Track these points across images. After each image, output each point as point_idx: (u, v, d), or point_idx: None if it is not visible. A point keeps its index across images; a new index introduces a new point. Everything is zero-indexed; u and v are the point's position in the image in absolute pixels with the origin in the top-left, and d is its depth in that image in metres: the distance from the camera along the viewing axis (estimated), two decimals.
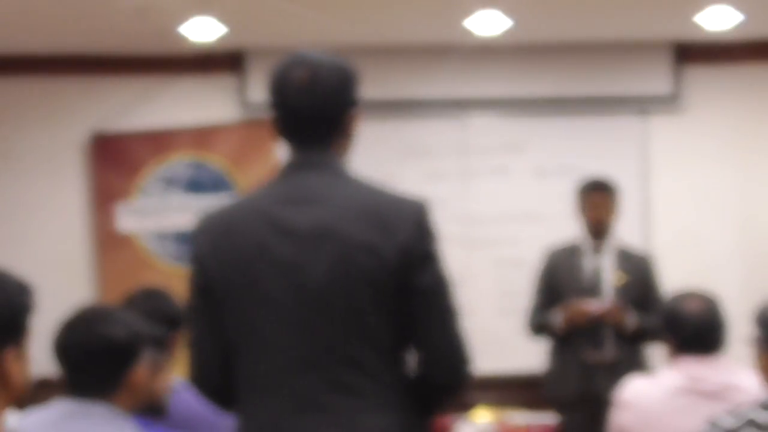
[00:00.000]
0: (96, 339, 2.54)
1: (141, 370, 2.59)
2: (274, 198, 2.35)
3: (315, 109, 2.36)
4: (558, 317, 5.32)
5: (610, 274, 5.39)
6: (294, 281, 2.28)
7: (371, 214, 2.30)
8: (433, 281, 2.33)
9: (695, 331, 3.51)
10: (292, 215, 2.31)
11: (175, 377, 3.11)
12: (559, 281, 5.44)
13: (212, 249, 2.35)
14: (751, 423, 2.74)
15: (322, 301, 2.28)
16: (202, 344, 2.40)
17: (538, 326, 5.46)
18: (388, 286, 2.28)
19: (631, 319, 5.23)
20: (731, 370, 3.50)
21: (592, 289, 5.35)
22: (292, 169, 2.39)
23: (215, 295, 2.34)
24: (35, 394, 5.64)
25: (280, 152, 6.45)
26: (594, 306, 5.23)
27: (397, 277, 2.28)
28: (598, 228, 5.43)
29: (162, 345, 2.91)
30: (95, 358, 2.54)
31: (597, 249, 5.43)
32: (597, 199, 5.45)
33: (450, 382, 2.38)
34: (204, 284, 2.36)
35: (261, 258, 2.30)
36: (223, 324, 2.35)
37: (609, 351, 5.27)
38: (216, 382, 2.40)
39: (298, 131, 2.39)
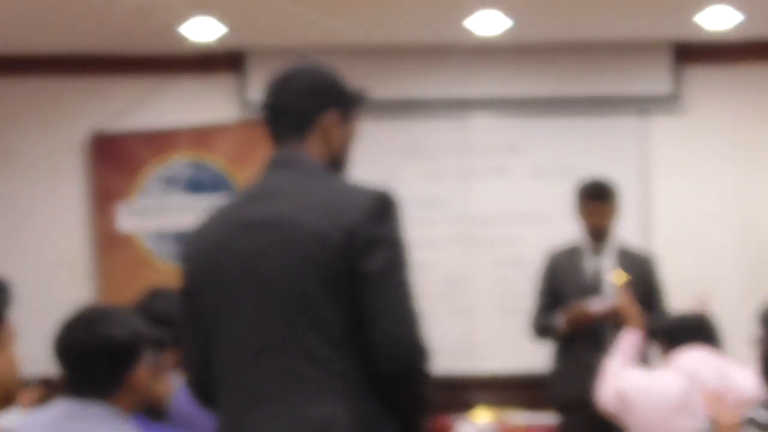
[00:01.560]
0: (97, 339, 2.53)
1: (142, 372, 2.59)
2: (244, 196, 2.47)
3: (281, 102, 2.47)
4: (560, 319, 5.31)
5: (610, 276, 5.38)
6: (248, 272, 2.33)
7: (325, 202, 2.33)
8: (381, 266, 2.28)
9: (681, 323, 3.52)
10: (251, 209, 2.39)
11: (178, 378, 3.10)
12: (560, 283, 5.43)
13: (191, 251, 2.45)
14: (751, 422, 2.74)
15: (273, 290, 2.31)
16: (188, 344, 2.47)
17: (541, 329, 5.45)
18: (334, 271, 2.27)
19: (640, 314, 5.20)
20: (731, 368, 3.51)
21: (592, 291, 5.34)
22: (268, 167, 2.48)
23: (193, 295, 2.43)
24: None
25: None
26: (596, 306, 5.21)
27: (344, 261, 2.27)
28: (598, 233, 5.42)
29: (166, 346, 2.92)
30: (96, 357, 2.53)
31: (597, 250, 5.42)
32: (596, 208, 5.42)
33: (400, 371, 2.28)
34: (186, 285, 2.45)
35: (223, 253, 2.37)
36: (201, 323, 2.42)
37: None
38: (199, 380, 2.46)
39: (270, 127, 2.50)
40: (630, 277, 5.33)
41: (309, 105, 2.47)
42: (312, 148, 2.46)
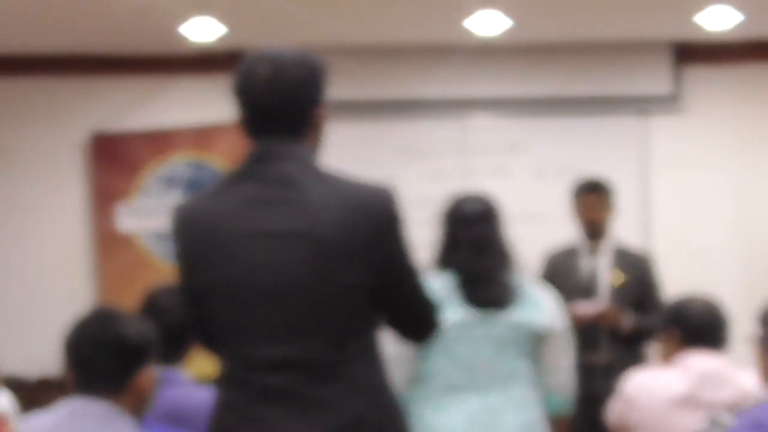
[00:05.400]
0: (108, 336, 2.55)
1: (148, 375, 2.59)
2: (247, 194, 2.34)
3: (278, 105, 2.34)
4: None
5: (606, 275, 5.37)
6: (268, 281, 2.30)
7: (345, 211, 2.29)
8: (401, 265, 2.37)
9: (702, 323, 3.51)
10: (267, 215, 2.31)
11: (173, 371, 3.10)
12: (556, 284, 5.42)
13: (189, 247, 2.45)
14: None
15: (296, 302, 2.29)
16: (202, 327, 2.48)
17: None
18: (359, 280, 2.30)
19: (628, 320, 5.21)
20: (733, 369, 3.51)
21: (588, 291, 5.33)
22: (260, 160, 2.36)
23: (196, 293, 2.44)
24: (35, 393, 5.61)
25: None
26: (588, 308, 5.21)
27: (367, 270, 2.30)
28: (594, 229, 5.41)
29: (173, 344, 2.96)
30: (105, 355, 2.55)
31: (593, 250, 5.41)
32: (591, 201, 5.42)
33: (427, 335, 2.51)
34: (186, 282, 2.48)
35: (235, 258, 2.32)
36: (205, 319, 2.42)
37: (605, 353, 5.25)
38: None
39: (264, 129, 2.36)
40: (627, 278, 5.33)
41: (305, 104, 2.37)
42: (307, 143, 2.39)
